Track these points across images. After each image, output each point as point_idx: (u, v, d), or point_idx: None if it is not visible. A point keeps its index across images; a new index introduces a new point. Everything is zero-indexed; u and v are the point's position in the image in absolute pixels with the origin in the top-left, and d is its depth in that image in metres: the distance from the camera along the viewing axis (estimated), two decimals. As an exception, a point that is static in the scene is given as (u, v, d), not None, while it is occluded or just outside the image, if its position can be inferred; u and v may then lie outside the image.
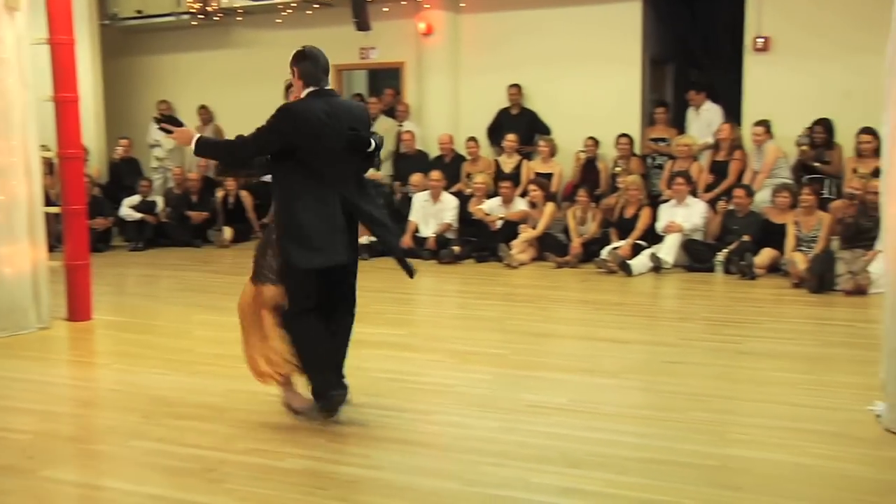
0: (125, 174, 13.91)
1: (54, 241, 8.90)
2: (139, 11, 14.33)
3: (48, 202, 8.17)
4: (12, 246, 7.59)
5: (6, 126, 7.52)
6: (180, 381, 6.11)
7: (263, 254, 5.19)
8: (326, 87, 5.12)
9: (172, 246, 12.66)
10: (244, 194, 13.12)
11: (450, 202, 11.55)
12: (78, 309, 8.07)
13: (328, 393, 5.06)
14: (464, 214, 11.47)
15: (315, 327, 5.08)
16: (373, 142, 5.10)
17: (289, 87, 5.57)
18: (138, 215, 12.82)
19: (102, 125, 14.30)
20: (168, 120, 5.27)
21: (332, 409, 5.07)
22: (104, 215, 12.48)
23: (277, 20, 13.84)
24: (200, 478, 4.41)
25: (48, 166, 8.55)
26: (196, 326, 7.86)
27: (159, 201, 13.22)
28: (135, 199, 12.99)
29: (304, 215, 4.90)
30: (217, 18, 14.12)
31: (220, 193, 13.17)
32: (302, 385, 5.20)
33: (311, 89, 5.03)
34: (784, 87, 11.33)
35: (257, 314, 5.25)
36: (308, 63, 5.06)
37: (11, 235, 7.58)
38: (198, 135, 5.14)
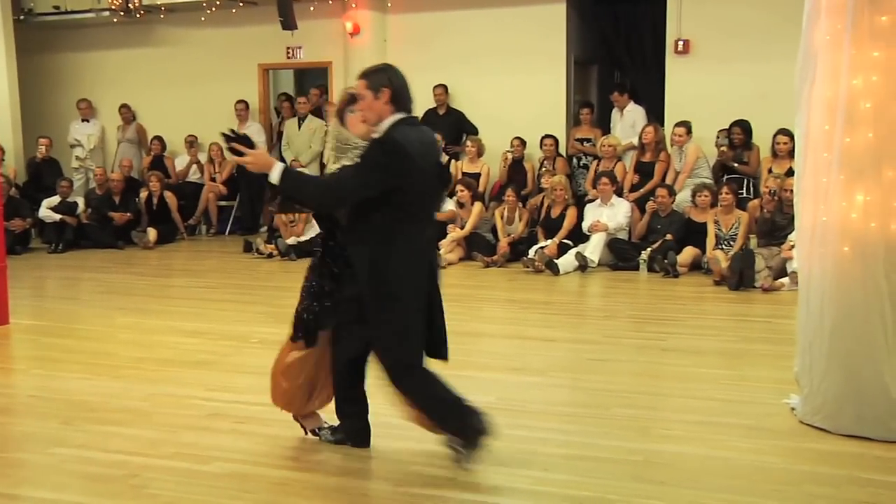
0: (45, 174, 13.67)
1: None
2: (56, 7, 14.07)
3: (-36, 204, 8.03)
4: (-73, 249, 7.46)
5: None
6: (102, 386, 6.02)
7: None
8: (413, 114, 4.39)
9: (94, 248, 12.46)
10: (168, 195, 13.00)
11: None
12: (-4, 313, 7.96)
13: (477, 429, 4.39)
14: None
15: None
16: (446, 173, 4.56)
17: (348, 102, 4.46)
18: (58, 216, 12.59)
19: (19, 124, 14.01)
20: (240, 140, 4.28)
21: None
22: (22, 216, 12.27)
23: (202, 18, 13.71)
24: (123, 483, 4.37)
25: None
26: (119, 330, 7.75)
27: (80, 202, 12.99)
28: (54, 199, 12.75)
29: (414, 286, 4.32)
30: (139, 16, 13.90)
31: (143, 194, 13.02)
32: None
33: (401, 116, 4.26)
34: (704, 89, 11.54)
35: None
36: (401, 83, 4.28)
37: (-74, 238, 7.45)
38: (281, 164, 4.25)
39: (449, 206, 11.28)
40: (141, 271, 10.99)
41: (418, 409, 4.42)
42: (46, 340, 7.66)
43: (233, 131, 4.29)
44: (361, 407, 4.72)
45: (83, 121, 14.49)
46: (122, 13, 13.71)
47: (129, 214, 12.79)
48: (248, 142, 4.30)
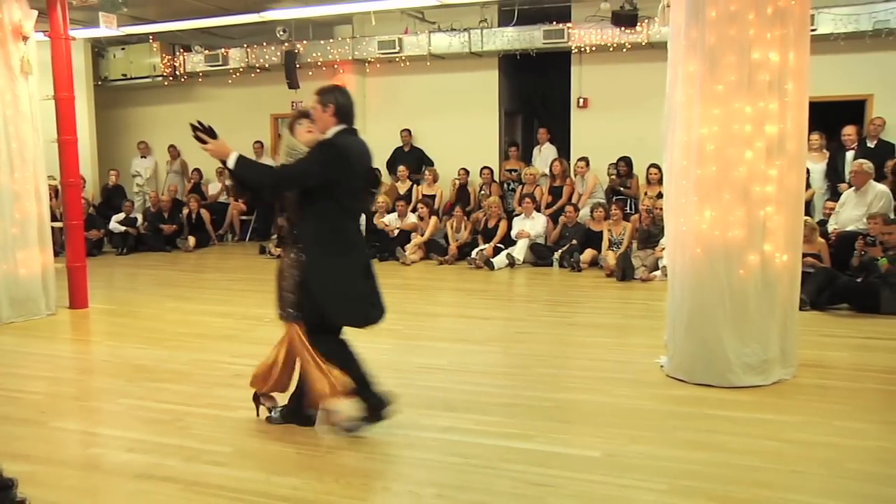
0: (114, 197, 13.47)
1: (59, 248, 8.61)
2: (124, 75, 13.90)
3: (54, 218, 7.92)
4: (26, 252, 7.39)
5: (21, 162, 7.31)
6: (155, 353, 5.98)
7: (280, 288, 4.04)
8: (353, 126, 4.08)
9: (149, 251, 12.34)
10: (204, 211, 12.93)
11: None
12: (77, 299, 7.87)
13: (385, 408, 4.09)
14: (370, 225, 11.47)
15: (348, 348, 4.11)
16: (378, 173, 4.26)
17: (299, 117, 4.13)
18: (123, 228, 12.45)
19: (96, 160, 13.83)
20: (204, 130, 3.97)
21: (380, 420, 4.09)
22: (97, 228, 12.14)
23: (229, 81, 13.63)
24: (172, 426, 4.36)
25: (54, 191, 8.26)
26: (167, 311, 7.69)
27: (139, 217, 12.85)
28: (121, 215, 12.58)
29: (345, 270, 3.94)
30: (183, 80, 13.84)
31: (185, 211, 12.90)
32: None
33: (343, 126, 3.99)
34: (599, 133, 11.61)
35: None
36: (345, 100, 4.00)
37: (26, 244, 7.38)
38: (237, 152, 3.93)
39: (412, 219, 11.30)
40: (183, 268, 10.91)
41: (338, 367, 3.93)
42: (114, 320, 7.59)
43: (199, 122, 3.97)
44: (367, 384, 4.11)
45: (142, 157, 14.33)
46: (171, 78, 13.64)
47: (175, 226, 12.64)
48: (211, 133, 3.96)
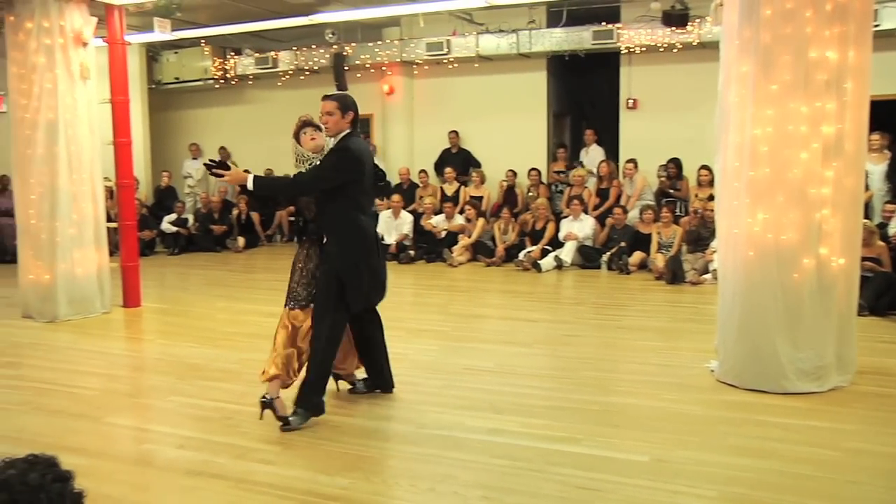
0: (166, 198, 13.74)
1: (113, 248, 8.81)
2: (177, 78, 14.16)
3: (108, 219, 8.11)
4: (83, 251, 7.58)
5: (78, 163, 7.50)
6: (205, 352, 6.09)
7: (293, 280, 4.47)
8: (358, 131, 4.48)
9: (200, 251, 12.53)
10: (253, 214, 13.09)
11: (407, 218, 11.55)
12: (130, 298, 8.04)
13: (322, 400, 4.39)
14: (417, 227, 11.52)
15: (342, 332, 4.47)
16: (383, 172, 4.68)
17: (304, 126, 4.42)
18: (174, 228, 12.67)
19: (149, 161, 14.12)
20: (219, 165, 4.39)
21: (317, 415, 4.36)
22: (150, 229, 12.35)
23: (278, 83, 13.78)
24: (221, 423, 4.44)
25: (109, 192, 8.45)
26: (217, 311, 7.82)
27: (190, 218, 13.07)
28: (172, 216, 12.82)
29: (366, 259, 4.37)
30: (234, 83, 14.03)
31: (235, 212, 13.08)
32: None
33: (350, 130, 4.36)
34: (648, 134, 11.47)
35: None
36: (357, 108, 4.42)
37: (82, 244, 7.56)
38: (252, 175, 4.36)
39: (459, 220, 11.32)
40: (233, 268, 11.08)
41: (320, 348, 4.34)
42: (166, 318, 7.74)
43: (211, 160, 4.45)
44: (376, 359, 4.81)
45: (193, 159, 14.55)
46: (222, 81, 13.86)
47: (225, 227, 12.84)
48: (224, 165, 4.42)
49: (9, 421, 4.57)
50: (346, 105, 4.36)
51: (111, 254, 8.11)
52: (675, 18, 10.20)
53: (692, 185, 10.63)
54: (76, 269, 7.49)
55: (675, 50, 10.91)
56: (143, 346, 6.92)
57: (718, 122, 5.03)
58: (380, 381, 4.87)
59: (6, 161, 7.85)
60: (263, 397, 4.30)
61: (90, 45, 7.57)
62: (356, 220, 4.36)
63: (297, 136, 4.40)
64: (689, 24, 10.33)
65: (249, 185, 4.32)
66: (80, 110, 7.46)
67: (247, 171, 4.56)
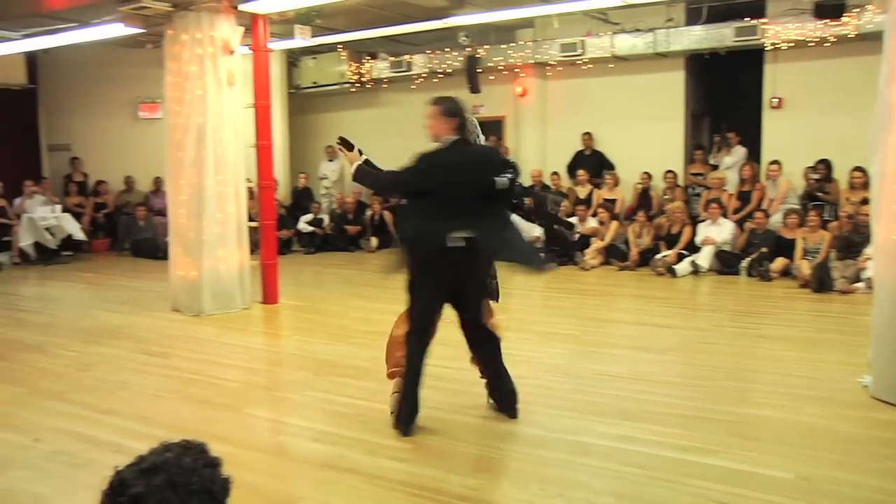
0: (303, 198, 14.24)
1: (253, 247, 9.22)
2: (315, 82, 14.70)
3: (249, 218, 8.49)
4: (226, 250, 7.95)
5: (223, 165, 7.88)
6: (339, 349, 6.28)
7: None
8: (462, 138, 4.33)
9: (335, 251, 12.89)
10: (386, 213, 13.32)
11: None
12: (269, 295, 8.38)
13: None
14: (551, 231, 11.43)
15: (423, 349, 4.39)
16: (497, 181, 4.24)
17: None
18: (311, 228, 13.13)
19: (288, 163, 14.67)
20: (345, 143, 4.57)
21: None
22: (287, 228, 12.81)
23: (412, 86, 14.02)
24: (354, 419, 4.56)
25: (250, 193, 8.87)
26: (351, 309, 8.03)
27: (326, 218, 13.49)
28: (309, 216, 13.29)
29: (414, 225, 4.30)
30: (369, 86, 14.39)
31: (369, 213, 13.38)
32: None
33: (455, 138, 4.28)
34: (793, 135, 10.95)
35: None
36: (462, 115, 4.33)
37: (226, 242, 7.94)
38: (359, 161, 4.46)
39: (592, 223, 11.19)
40: (366, 268, 11.31)
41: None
42: (302, 315, 8.03)
43: (342, 137, 4.64)
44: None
45: (329, 161, 14.97)
46: (357, 84, 14.27)
47: (359, 227, 13.20)
48: (350, 145, 4.57)
49: (163, 408, 4.89)
50: (450, 110, 4.27)
51: (251, 252, 8.47)
52: (829, 10, 9.66)
53: (843, 188, 10.08)
54: (220, 267, 7.90)
55: (826, 44, 10.36)
56: (280, 341, 7.22)
57: (878, 121, 4.73)
58: (494, 398, 4.60)
59: (161, 164, 8.39)
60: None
61: (236, 53, 7.97)
62: (428, 217, 4.19)
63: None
64: (845, 14, 9.78)
65: (352, 170, 4.51)
66: (225, 115, 7.87)
67: (362, 162, 4.51)
